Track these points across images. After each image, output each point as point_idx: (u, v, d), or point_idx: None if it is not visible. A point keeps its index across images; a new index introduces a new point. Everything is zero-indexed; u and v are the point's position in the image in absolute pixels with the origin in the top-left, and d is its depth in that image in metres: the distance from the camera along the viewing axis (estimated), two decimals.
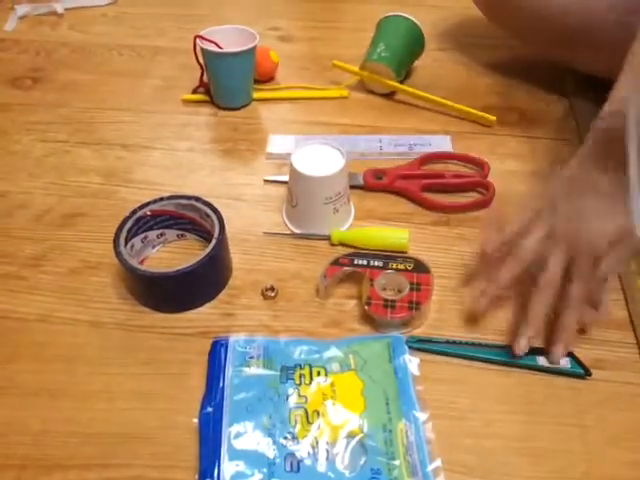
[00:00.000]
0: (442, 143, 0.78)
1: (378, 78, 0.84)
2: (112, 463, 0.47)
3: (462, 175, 0.73)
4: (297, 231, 0.65)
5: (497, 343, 0.55)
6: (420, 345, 0.54)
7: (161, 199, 0.61)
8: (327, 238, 0.64)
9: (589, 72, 0.83)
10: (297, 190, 0.63)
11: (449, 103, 0.82)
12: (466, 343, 0.55)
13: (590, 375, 0.52)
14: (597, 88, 0.84)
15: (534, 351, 0.53)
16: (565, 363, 0.53)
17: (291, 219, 0.66)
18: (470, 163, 0.75)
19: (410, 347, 0.54)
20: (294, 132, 0.80)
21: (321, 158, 0.63)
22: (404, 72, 0.87)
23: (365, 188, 0.71)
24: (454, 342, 0.55)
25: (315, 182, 0.61)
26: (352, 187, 0.69)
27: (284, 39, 1.02)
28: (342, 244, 0.64)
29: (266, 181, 0.72)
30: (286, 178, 0.66)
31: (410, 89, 0.84)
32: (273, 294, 0.59)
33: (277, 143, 0.78)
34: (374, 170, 0.71)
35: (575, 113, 0.83)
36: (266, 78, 0.89)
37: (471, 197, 0.70)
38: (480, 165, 0.73)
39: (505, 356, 0.53)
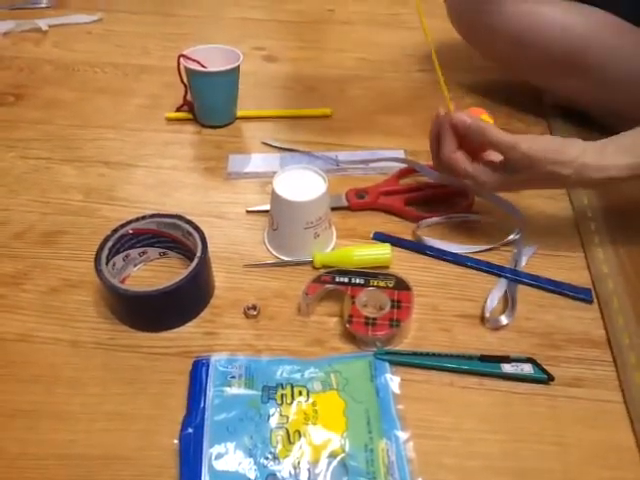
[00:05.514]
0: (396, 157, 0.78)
1: None
2: None
3: (439, 186, 0.73)
4: (278, 254, 0.65)
5: (462, 353, 0.55)
6: (388, 357, 0.54)
7: (143, 217, 0.61)
8: (309, 263, 0.64)
9: (566, 98, 0.85)
10: (277, 214, 0.63)
11: None
12: (433, 354, 0.55)
13: (553, 380, 0.53)
14: (574, 110, 0.86)
15: (499, 359, 0.54)
16: (528, 369, 0.54)
17: (272, 242, 0.66)
18: None
19: (378, 359, 0.54)
20: (276, 151, 0.80)
21: (303, 183, 0.62)
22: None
23: (349, 208, 0.71)
24: (420, 353, 0.55)
25: (295, 207, 0.61)
26: (336, 209, 0.70)
27: (269, 59, 1.03)
28: (325, 266, 0.63)
29: (249, 212, 0.71)
30: (268, 207, 0.65)
31: None
32: (255, 313, 0.59)
33: (237, 163, 0.78)
34: (356, 190, 0.72)
35: (553, 134, 0.84)
36: None
37: (452, 205, 0.72)
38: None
39: (470, 365, 0.54)
